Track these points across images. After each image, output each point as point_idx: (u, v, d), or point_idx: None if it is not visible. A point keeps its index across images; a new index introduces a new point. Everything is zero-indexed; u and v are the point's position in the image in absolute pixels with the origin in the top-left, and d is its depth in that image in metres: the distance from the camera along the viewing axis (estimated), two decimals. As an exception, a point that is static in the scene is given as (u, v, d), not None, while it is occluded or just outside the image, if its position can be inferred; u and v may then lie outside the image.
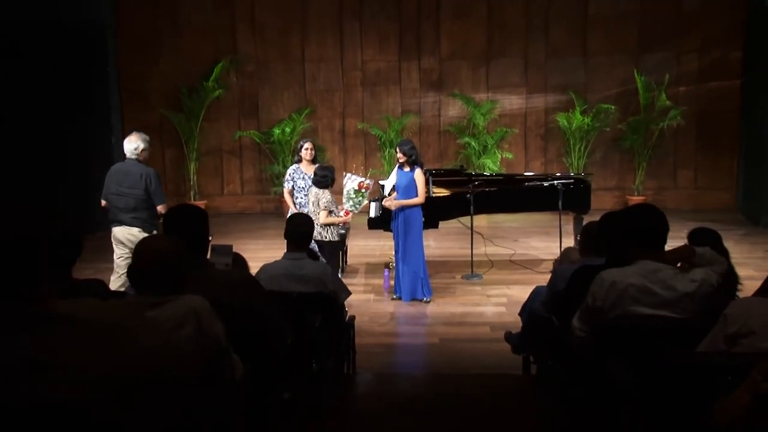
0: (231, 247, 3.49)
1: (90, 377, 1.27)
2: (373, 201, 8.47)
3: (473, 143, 11.98)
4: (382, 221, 7.50)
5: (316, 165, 7.33)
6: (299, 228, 4.46)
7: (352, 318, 5.10)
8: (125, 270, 6.64)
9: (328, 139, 12.71)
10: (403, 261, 7.03)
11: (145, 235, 6.33)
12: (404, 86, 12.57)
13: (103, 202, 6.53)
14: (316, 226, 6.84)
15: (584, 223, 7.37)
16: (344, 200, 7.03)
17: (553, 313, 4.10)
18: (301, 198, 7.31)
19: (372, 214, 7.98)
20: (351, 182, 7.03)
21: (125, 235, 6.40)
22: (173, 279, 2.60)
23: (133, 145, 6.43)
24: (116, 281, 6.27)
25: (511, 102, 12.50)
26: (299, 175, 7.34)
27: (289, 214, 7.13)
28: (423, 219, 7.05)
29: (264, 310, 3.14)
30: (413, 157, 6.92)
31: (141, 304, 2.50)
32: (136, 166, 6.43)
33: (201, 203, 11.97)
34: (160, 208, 6.40)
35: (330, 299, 4.30)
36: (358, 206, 7.02)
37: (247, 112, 12.68)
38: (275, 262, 4.47)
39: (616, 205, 12.04)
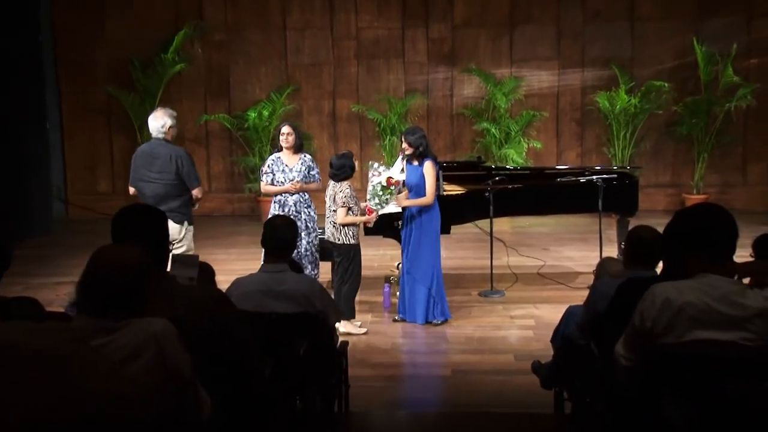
0: (196, 257, 3.49)
1: (17, 417, 1.27)
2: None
3: (493, 130, 12.00)
4: (381, 225, 7.50)
5: (302, 154, 7.33)
6: (280, 233, 4.46)
7: (345, 344, 5.10)
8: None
9: (315, 124, 12.73)
10: (412, 274, 7.03)
11: (176, 227, 6.66)
12: (408, 60, 12.60)
13: (132, 190, 7.00)
14: (329, 226, 6.86)
15: (630, 227, 7.38)
16: (369, 196, 6.98)
17: (591, 338, 4.10)
18: (281, 196, 7.30)
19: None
20: (378, 176, 6.99)
21: None
22: (134, 301, 2.61)
23: (159, 122, 6.72)
24: None
25: (540, 79, 12.53)
26: (279, 166, 7.31)
27: (270, 215, 7.18)
28: (440, 223, 7.06)
29: (237, 334, 3.15)
30: (422, 149, 6.90)
31: (87, 330, 2.50)
32: (165, 146, 6.74)
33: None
34: (196, 192, 6.78)
35: (317, 321, 4.30)
36: (384, 205, 6.97)
37: (216, 91, 12.70)
38: (250, 275, 4.47)
39: (670, 206, 12.07)
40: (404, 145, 6.94)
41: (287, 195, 7.24)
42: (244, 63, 12.65)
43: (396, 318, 7.18)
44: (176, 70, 12.06)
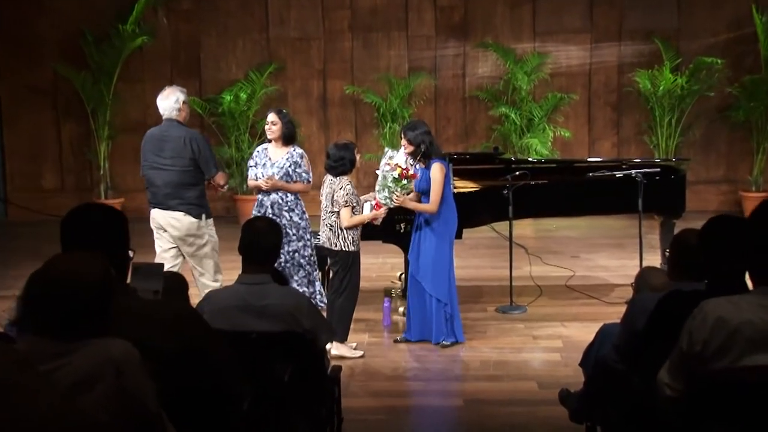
0: (162, 266, 3.50)
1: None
2: (367, 201, 8.47)
3: (513, 115, 12.01)
4: (380, 229, 7.50)
5: (292, 147, 7.34)
6: (261, 238, 4.46)
7: (338, 369, 5.10)
8: (200, 265, 7.03)
9: (302, 109, 12.74)
10: (422, 285, 7.01)
11: (193, 221, 6.90)
12: (413, 33, 12.61)
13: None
14: (324, 229, 6.84)
15: (676, 231, 7.37)
16: (378, 188, 6.94)
17: (629, 362, 4.10)
18: (259, 195, 7.31)
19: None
20: (386, 173, 6.94)
21: (168, 221, 6.97)
22: (93, 319, 2.61)
23: (171, 99, 6.95)
24: None
25: (569, 55, 12.55)
26: (262, 159, 7.34)
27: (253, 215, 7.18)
28: (455, 228, 7.05)
29: (210, 358, 3.15)
30: (424, 147, 6.84)
31: (35, 353, 2.51)
32: (177, 128, 6.94)
33: (116, 202, 12.00)
34: (218, 178, 6.99)
35: (305, 342, 4.31)
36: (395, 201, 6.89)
37: (184, 69, 12.71)
38: (226, 288, 4.48)
39: (723, 206, 12.09)
40: (403, 142, 6.91)
41: (264, 194, 7.27)
42: (217, 36, 12.66)
43: (398, 339, 7.18)
44: (136, 45, 12.07)
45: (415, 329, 7.10)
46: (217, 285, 6.78)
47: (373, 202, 6.94)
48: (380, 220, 7.00)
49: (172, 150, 6.89)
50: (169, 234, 7.00)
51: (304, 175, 7.32)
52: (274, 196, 7.24)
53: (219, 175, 7.03)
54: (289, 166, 7.26)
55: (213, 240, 7.07)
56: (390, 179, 6.78)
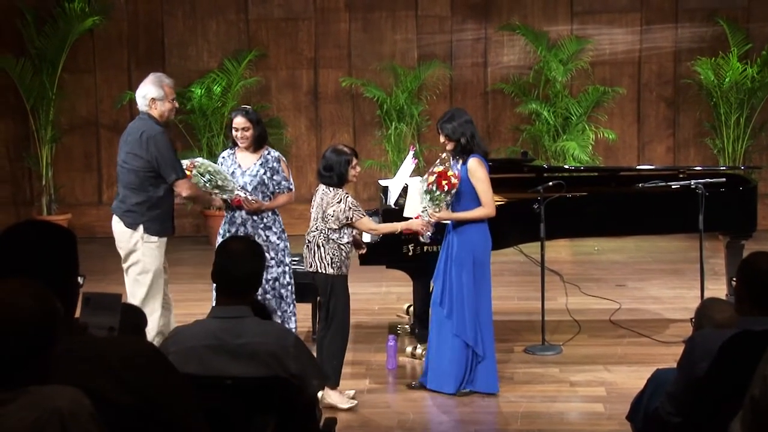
0: (119, 297, 3.50)
1: None
2: (369, 215, 8.49)
3: (545, 113, 12.03)
4: (383, 252, 7.50)
5: (264, 150, 7.35)
6: (238, 263, 4.47)
7: (332, 422, 5.09)
8: (131, 287, 7.05)
9: (288, 104, 12.78)
10: (448, 321, 7.02)
11: (125, 230, 7.05)
12: (423, 12, 12.66)
13: None
14: (310, 247, 6.85)
15: (745, 253, 7.36)
16: (414, 200, 7.03)
17: (688, 415, 4.10)
18: (230, 211, 7.31)
19: (366, 237, 7.98)
20: (421, 179, 6.97)
21: (115, 233, 7.17)
22: (35, 364, 2.61)
23: (140, 90, 7.24)
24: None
25: (614, 40, 12.58)
26: (228, 165, 7.35)
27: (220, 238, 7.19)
28: (489, 238, 7.04)
29: (176, 409, 3.14)
30: (465, 140, 6.91)
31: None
32: (141, 122, 7.18)
33: (61, 218, 12.03)
34: (179, 187, 7.05)
35: (292, 389, 4.30)
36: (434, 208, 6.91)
37: (144, 57, 12.75)
38: (196, 323, 4.47)
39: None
40: (441, 138, 6.97)
41: (236, 208, 7.30)
42: (184, 17, 12.71)
43: (413, 384, 7.17)
44: (86, 27, 12.12)
45: (434, 375, 7.07)
46: (150, 324, 6.51)
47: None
48: (426, 235, 7.03)
49: (130, 147, 7.08)
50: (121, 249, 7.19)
51: (284, 183, 7.33)
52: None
53: (180, 182, 7.05)
54: (264, 174, 7.25)
55: (147, 265, 6.99)
56: (424, 190, 6.84)
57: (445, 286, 7.02)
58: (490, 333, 7.07)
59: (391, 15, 12.65)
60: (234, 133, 7.30)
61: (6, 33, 12.35)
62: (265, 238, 7.20)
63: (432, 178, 6.78)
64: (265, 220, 7.27)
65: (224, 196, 7.18)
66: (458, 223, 6.96)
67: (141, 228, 7.00)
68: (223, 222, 7.40)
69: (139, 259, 7.00)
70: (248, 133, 7.25)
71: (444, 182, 6.75)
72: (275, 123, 12.52)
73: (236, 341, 4.32)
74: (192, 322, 4.49)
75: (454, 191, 6.82)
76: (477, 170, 6.86)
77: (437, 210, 6.84)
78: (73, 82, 12.54)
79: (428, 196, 6.81)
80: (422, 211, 6.89)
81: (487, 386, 7.02)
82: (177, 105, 7.19)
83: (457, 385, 6.98)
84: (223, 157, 7.42)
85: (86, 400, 2.62)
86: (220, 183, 7.10)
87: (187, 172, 7.10)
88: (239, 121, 7.27)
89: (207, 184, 7.10)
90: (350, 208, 6.76)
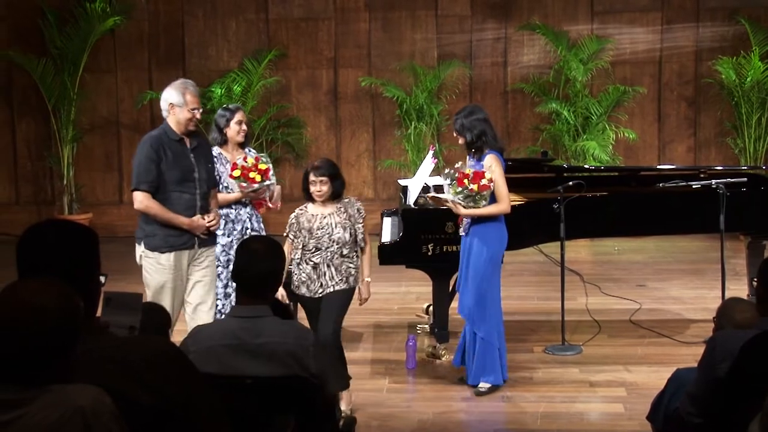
0: (139, 297, 3.51)
1: None
2: (388, 215, 8.48)
3: (565, 113, 12.01)
4: (403, 252, 7.50)
5: (246, 149, 7.45)
6: (257, 263, 4.48)
7: (352, 422, 5.10)
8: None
9: (308, 104, 12.80)
10: (473, 319, 7.10)
11: (137, 246, 6.74)
12: (443, 12, 12.65)
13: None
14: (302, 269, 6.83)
15: (767, 254, 7.34)
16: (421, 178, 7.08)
17: (709, 416, 4.08)
18: (230, 208, 7.35)
19: (385, 237, 7.99)
20: (447, 182, 7.00)
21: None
22: (58, 363, 2.61)
23: (164, 94, 6.87)
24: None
25: (635, 39, 12.55)
26: (222, 164, 7.43)
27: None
28: (506, 238, 7.07)
29: (196, 408, 3.15)
30: (475, 136, 6.94)
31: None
32: (155, 130, 6.90)
33: (83, 218, 12.08)
34: (135, 198, 6.69)
35: (311, 389, 4.31)
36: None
37: (165, 57, 12.79)
38: (216, 322, 4.48)
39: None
40: (455, 133, 7.07)
41: (237, 206, 7.36)
42: (205, 17, 12.74)
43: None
44: (107, 27, 12.16)
45: (477, 369, 7.12)
46: None
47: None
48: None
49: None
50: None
51: (274, 179, 7.49)
52: (249, 207, 7.39)
53: (135, 194, 6.69)
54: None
55: (147, 280, 6.73)
56: (450, 189, 6.87)
57: (470, 284, 7.04)
58: (498, 326, 7.11)
59: (410, 14, 12.65)
60: (232, 127, 7.42)
61: (28, 33, 12.40)
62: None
63: (455, 181, 6.81)
64: (258, 217, 7.55)
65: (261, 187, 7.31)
66: (476, 221, 6.98)
67: (142, 243, 6.74)
68: (224, 225, 7.35)
69: (143, 274, 6.79)
70: (245, 129, 7.54)
71: (483, 185, 6.78)
72: (295, 123, 12.55)
73: (256, 341, 4.33)
74: (212, 322, 4.51)
75: (485, 193, 6.83)
76: (493, 166, 6.88)
77: (461, 204, 6.86)
78: (94, 82, 12.58)
79: (460, 194, 6.83)
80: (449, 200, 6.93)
81: (499, 377, 7.09)
82: (199, 117, 6.71)
83: (480, 377, 7.05)
84: (216, 156, 7.40)
85: (108, 399, 2.63)
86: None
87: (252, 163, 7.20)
88: (241, 115, 7.51)
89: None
90: (288, 224, 6.80)
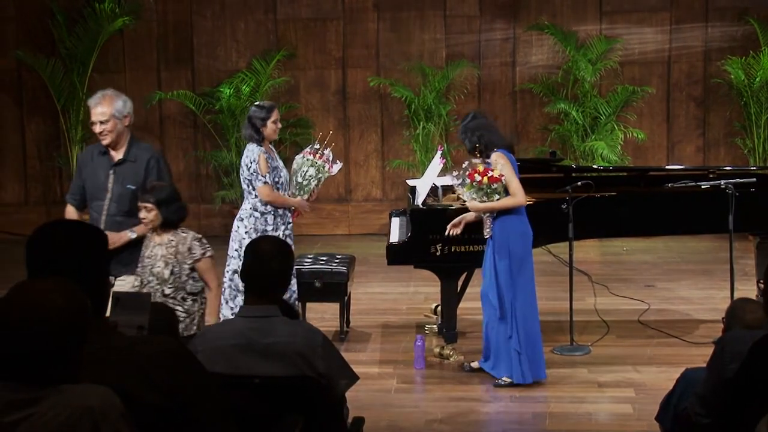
0: (148, 296, 3.51)
1: None
2: (396, 215, 8.48)
3: (574, 113, 12.00)
4: (412, 252, 7.51)
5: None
6: (266, 263, 4.48)
7: (360, 421, 5.10)
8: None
9: (316, 105, 12.80)
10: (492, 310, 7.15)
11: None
12: (452, 12, 12.64)
13: None
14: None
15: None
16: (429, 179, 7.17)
17: (717, 416, 4.08)
18: (279, 210, 7.45)
19: (394, 237, 7.99)
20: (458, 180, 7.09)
21: None
22: (66, 362, 2.62)
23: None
24: None
25: (643, 39, 12.52)
26: (274, 162, 7.54)
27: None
28: (530, 233, 7.17)
29: (204, 408, 3.15)
30: (471, 145, 7.03)
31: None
32: None
33: (91, 218, 12.05)
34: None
35: (319, 388, 4.31)
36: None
37: (174, 56, 12.79)
38: (224, 322, 4.50)
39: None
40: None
41: (286, 210, 7.54)
42: (213, 17, 12.75)
43: (472, 365, 7.33)
44: (116, 27, 12.17)
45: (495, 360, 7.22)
46: None
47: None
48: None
49: None
50: None
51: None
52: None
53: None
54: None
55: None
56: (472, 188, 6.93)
57: (489, 275, 7.13)
58: (526, 327, 7.12)
59: (419, 15, 12.64)
60: (270, 125, 7.48)
61: (37, 33, 12.42)
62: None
63: (480, 177, 6.89)
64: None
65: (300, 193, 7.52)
66: (497, 219, 7.05)
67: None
68: (249, 219, 7.44)
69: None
70: None
71: (492, 178, 6.87)
72: (303, 123, 12.54)
73: (264, 341, 4.33)
74: (220, 321, 4.52)
75: (496, 186, 6.90)
76: (498, 162, 6.95)
77: (476, 199, 6.95)
78: (103, 82, 12.56)
79: (473, 189, 6.89)
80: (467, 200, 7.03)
81: (518, 376, 7.08)
82: (98, 130, 6.39)
83: (507, 371, 7.10)
84: (266, 154, 7.47)
85: (117, 398, 2.63)
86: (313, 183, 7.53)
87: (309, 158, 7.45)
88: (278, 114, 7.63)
89: (312, 179, 7.49)
90: None
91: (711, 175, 8.27)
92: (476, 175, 6.84)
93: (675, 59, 12.56)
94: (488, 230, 7.10)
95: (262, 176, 7.40)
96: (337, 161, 7.84)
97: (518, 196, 7.00)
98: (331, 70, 12.77)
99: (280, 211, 7.52)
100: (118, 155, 6.40)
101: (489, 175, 6.84)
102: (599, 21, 12.49)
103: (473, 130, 7.04)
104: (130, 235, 6.25)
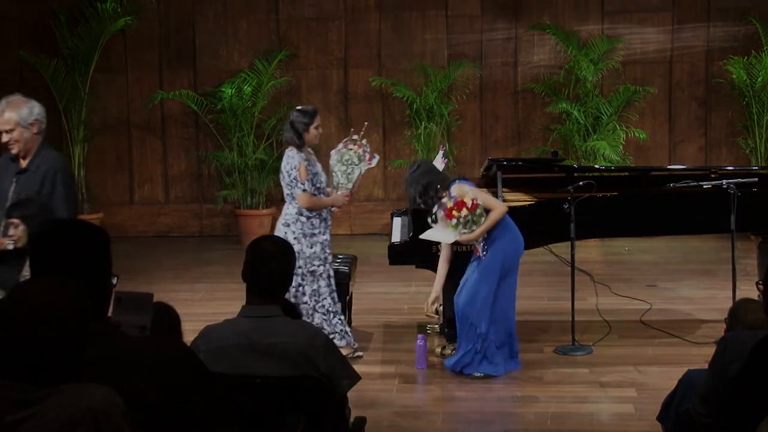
0: (150, 296, 3.51)
1: None
2: (398, 215, 8.48)
3: (576, 113, 11.99)
4: (414, 252, 7.51)
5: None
6: (268, 263, 4.48)
7: (362, 421, 5.10)
8: None
9: (318, 104, 12.71)
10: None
11: None
12: (454, 12, 12.64)
13: None
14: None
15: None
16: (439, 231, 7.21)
17: (719, 416, 4.08)
18: (324, 212, 7.68)
19: (395, 237, 7.99)
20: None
21: None
22: (64, 360, 2.62)
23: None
24: None
25: (645, 39, 12.53)
26: (314, 168, 7.70)
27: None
28: (521, 242, 7.27)
29: (206, 408, 3.16)
30: (419, 202, 7.19)
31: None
32: None
33: (93, 218, 12.08)
34: None
35: (321, 388, 4.31)
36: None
37: (175, 57, 12.80)
38: (226, 322, 4.49)
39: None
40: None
41: (328, 210, 7.73)
42: (215, 17, 12.75)
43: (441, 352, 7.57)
44: (118, 27, 12.16)
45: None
46: None
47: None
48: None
49: None
50: None
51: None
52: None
53: None
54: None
55: None
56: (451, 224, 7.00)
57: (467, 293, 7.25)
58: (505, 325, 7.34)
59: (421, 15, 12.64)
60: (313, 130, 7.70)
61: (39, 33, 12.42)
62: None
63: (458, 212, 6.95)
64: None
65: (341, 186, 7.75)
66: (488, 237, 7.13)
67: None
68: (296, 223, 7.61)
69: None
70: None
71: (468, 203, 6.95)
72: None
73: (266, 341, 4.34)
74: (222, 321, 4.51)
75: (478, 210, 6.99)
76: (460, 190, 7.06)
77: (468, 232, 7.02)
78: (105, 82, 12.60)
79: (459, 225, 6.97)
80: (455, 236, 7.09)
81: (489, 368, 7.25)
82: (5, 140, 6.28)
83: (454, 363, 7.28)
84: (307, 161, 7.65)
85: (119, 398, 2.63)
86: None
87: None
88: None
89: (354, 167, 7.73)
90: None
91: (713, 175, 8.27)
92: (454, 211, 6.92)
93: (677, 59, 12.56)
94: (483, 254, 7.16)
95: (301, 183, 7.53)
96: (375, 154, 8.02)
97: (498, 207, 7.16)
98: (333, 70, 12.77)
99: (323, 214, 7.68)
100: (24, 163, 6.28)
101: (467, 205, 6.94)
102: (601, 21, 12.49)
103: (419, 195, 7.20)
104: (8, 245, 5.77)
